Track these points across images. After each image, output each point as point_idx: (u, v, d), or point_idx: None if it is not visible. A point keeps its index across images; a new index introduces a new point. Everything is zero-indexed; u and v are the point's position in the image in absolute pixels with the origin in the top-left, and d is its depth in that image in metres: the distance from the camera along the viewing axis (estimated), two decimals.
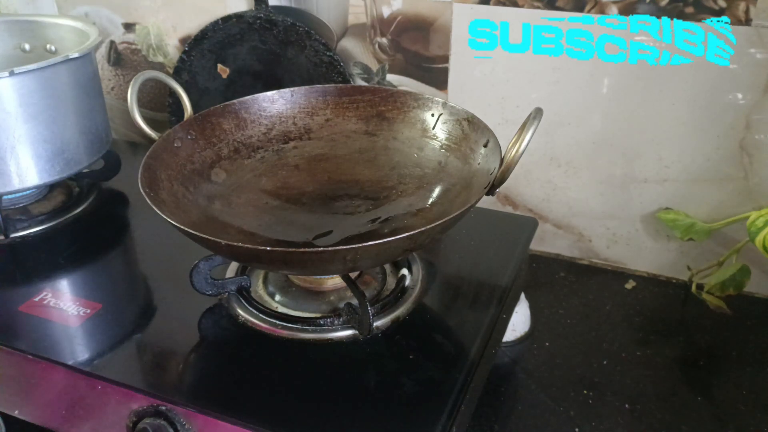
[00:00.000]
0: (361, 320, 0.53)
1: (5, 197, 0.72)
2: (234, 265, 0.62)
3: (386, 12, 0.79)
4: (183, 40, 0.93)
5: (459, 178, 0.60)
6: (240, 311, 0.57)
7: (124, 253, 0.70)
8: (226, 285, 0.58)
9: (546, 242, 0.84)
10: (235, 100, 0.65)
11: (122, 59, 0.99)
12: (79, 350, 0.54)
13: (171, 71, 0.93)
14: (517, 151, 0.49)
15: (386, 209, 0.62)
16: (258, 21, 0.82)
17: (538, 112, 0.50)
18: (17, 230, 0.71)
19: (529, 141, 0.49)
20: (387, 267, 0.63)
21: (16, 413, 0.56)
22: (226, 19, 0.84)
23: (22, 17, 0.88)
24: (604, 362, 0.67)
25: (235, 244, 0.47)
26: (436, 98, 0.64)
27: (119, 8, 0.95)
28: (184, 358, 0.54)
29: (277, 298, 0.59)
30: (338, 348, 0.53)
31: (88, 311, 0.58)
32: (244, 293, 0.58)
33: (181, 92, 0.65)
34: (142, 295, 0.62)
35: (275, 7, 0.84)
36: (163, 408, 0.48)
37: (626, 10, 0.68)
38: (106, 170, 0.80)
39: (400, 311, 0.57)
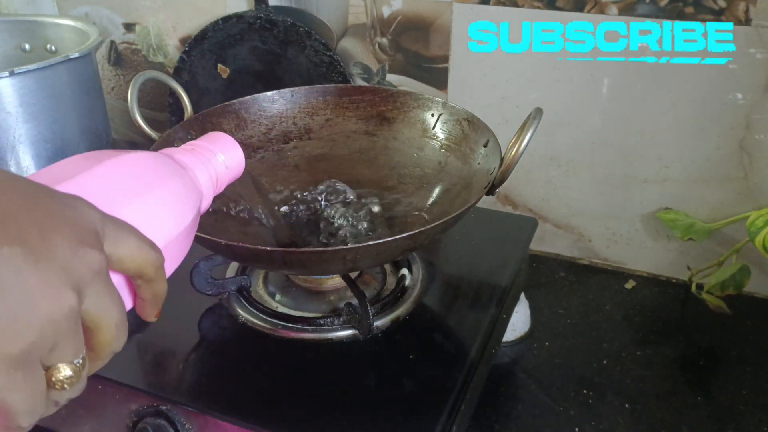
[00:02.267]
0: (361, 320, 0.53)
1: None
2: (234, 265, 0.62)
3: (386, 12, 0.79)
4: (183, 40, 0.93)
5: (459, 178, 0.60)
6: (240, 311, 0.57)
7: None
8: (226, 285, 0.58)
9: (546, 242, 0.84)
10: (235, 100, 0.65)
11: (122, 59, 0.99)
12: None
13: (171, 71, 0.93)
14: (516, 151, 0.49)
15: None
16: (258, 21, 0.83)
17: (537, 112, 0.50)
18: None
19: (528, 141, 0.49)
20: (387, 267, 0.63)
21: None
22: (227, 19, 0.84)
23: (22, 17, 0.88)
24: (604, 362, 0.67)
25: (235, 243, 0.47)
26: (436, 98, 0.64)
27: (119, 8, 0.95)
28: (184, 357, 0.54)
29: (278, 297, 0.60)
30: (338, 348, 0.54)
31: None
32: (244, 293, 0.58)
33: (182, 92, 0.65)
34: None
35: (275, 7, 0.84)
36: (164, 408, 0.48)
37: (626, 10, 0.68)
38: None
39: (400, 311, 0.57)
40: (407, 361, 0.52)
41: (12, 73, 0.64)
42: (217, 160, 0.40)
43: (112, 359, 0.54)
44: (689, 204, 0.75)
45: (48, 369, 0.24)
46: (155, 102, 0.98)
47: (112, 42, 0.98)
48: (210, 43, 0.86)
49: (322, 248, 0.47)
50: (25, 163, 0.68)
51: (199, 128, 0.63)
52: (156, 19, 0.93)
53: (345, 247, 0.46)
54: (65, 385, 0.25)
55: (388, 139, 0.66)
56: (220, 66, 0.87)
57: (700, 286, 0.74)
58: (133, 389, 0.50)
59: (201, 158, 0.39)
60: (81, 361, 0.26)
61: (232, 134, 0.65)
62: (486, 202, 0.64)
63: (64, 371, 0.25)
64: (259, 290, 0.60)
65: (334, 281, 0.59)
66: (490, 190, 0.52)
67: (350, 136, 0.67)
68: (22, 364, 0.23)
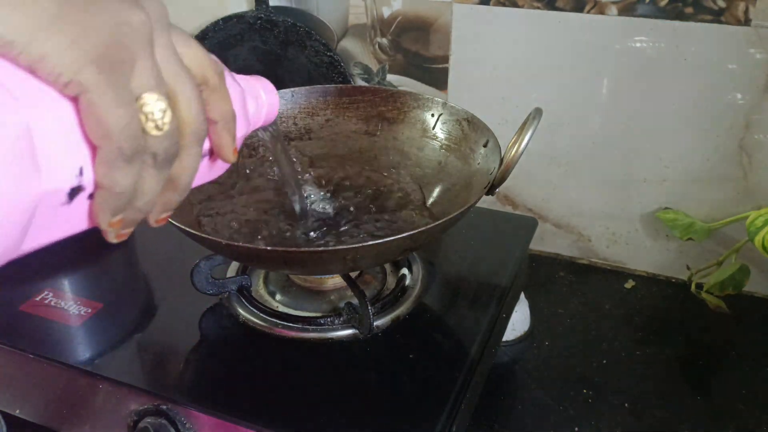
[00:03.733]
0: (362, 319, 0.53)
1: None
2: (234, 265, 0.62)
3: (386, 12, 0.79)
4: None
5: (459, 178, 0.60)
6: (240, 311, 0.57)
7: (125, 252, 0.70)
8: (227, 284, 0.58)
9: (546, 242, 0.84)
10: None
11: None
12: (80, 349, 0.54)
13: None
14: (516, 151, 0.50)
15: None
16: (258, 21, 0.83)
17: (537, 112, 0.50)
18: None
19: (528, 141, 0.49)
20: (387, 266, 0.63)
21: (17, 412, 0.56)
22: (227, 20, 0.84)
23: None
24: (604, 361, 0.67)
25: (235, 243, 0.47)
26: (436, 98, 0.64)
27: None
28: (184, 357, 0.54)
29: (278, 297, 0.60)
30: (338, 347, 0.54)
31: (89, 311, 0.58)
32: (245, 292, 0.58)
33: None
34: (143, 295, 0.62)
35: (276, 8, 0.84)
36: (164, 407, 0.49)
37: (626, 11, 0.68)
38: None
39: (401, 311, 0.57)
40: (407, 361, 0.52)
41: None
42: (258, 92, 0.41)
43: (113, 359, 0.55)
44: (689, 204, 0.75)
45: (138, 100, 0.24)
46: None
47: None
48: (210, 43, 0.86)
49: (322, 248, 0.48)
50: None
51: None
52: None
53: (345, 246, 0.46)
54: (158, 122, 0.24)
55: (388, 139, 0.66)
56: None
57: (699, 286, 0.74)
58: (134, 388, 0.50)
59: (247, 83, 0.39)
60: (166, 101, 0.25)
61: None
62: (486, 202, 0.64)
63: (153, 101, 0.24)
64: (260, 290, 0.61)
65: (335, 281, 0.59)
66: (490, 190, 0.52)
67: (350, 136, 0.67)
68: (110, 66, 0.22)
